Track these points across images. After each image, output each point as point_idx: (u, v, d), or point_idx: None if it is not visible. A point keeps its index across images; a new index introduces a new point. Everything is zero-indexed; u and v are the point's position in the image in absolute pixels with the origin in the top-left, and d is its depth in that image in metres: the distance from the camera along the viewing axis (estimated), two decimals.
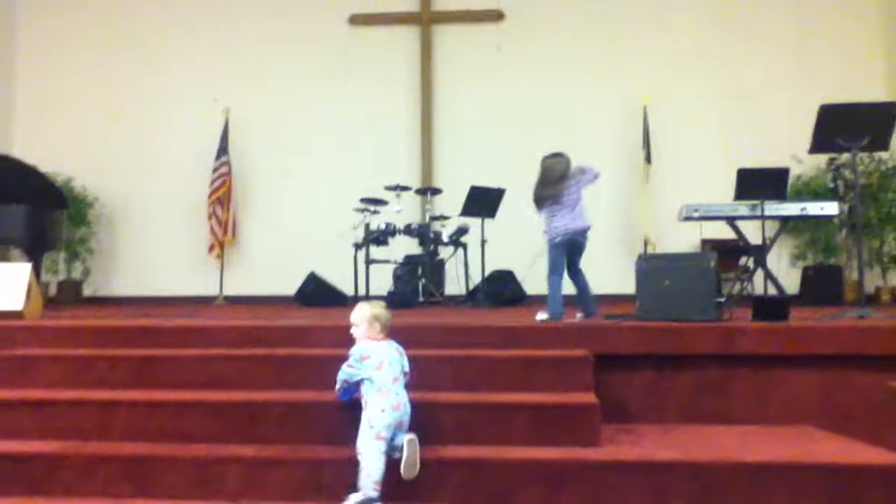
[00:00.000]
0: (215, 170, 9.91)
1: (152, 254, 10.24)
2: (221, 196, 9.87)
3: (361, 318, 3.45)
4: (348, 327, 4.18)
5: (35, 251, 7.07)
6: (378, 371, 3.26)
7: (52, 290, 9.98)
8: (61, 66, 10.58)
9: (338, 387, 3.37)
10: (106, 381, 3.90)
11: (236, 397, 3.61)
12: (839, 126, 5.05)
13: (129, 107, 10.43)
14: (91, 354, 4.04)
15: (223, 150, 9.96)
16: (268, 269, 9.91)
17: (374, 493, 2.98)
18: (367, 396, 3.23)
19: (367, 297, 7.78)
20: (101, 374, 3.92)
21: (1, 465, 3.30)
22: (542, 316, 5.01)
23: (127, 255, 10.35)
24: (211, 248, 9.93)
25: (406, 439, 3.11)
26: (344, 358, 3.40)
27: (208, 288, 9.97)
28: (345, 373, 3.35)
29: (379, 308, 3.50)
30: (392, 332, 3.71)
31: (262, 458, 3.24)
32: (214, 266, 10.00)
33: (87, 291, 10.22)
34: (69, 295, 9.89)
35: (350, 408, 3.41)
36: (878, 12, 9.71)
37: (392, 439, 3.12)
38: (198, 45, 10.45)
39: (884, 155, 8.70)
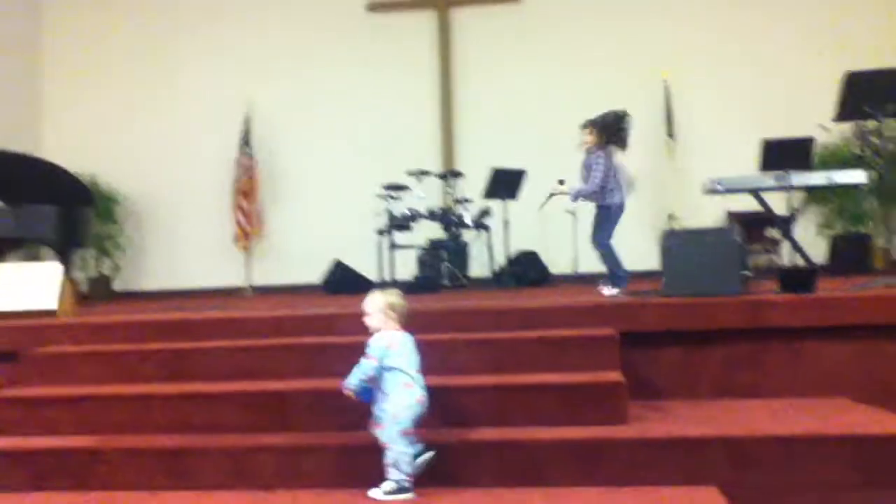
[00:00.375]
0: (238, 162, 9.98)
1: (180, 247, 10.34)
2: (245, 187, 9.94)
3: (376, 307, 3.27)
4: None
5: (66, 250, 7.18)
6: (403, 362, 3.14)
7: (83, 287, 10.12)
8: (86, 65, 10.67)
9: (355, 382, 3.14)
10: (139, 375, 3.97)
11: (267, 387, 3.66)
12: (865, 93, 4.98)
13: (153, 103, 10.51)
14: (123, 349, 4.12)
15: (246, 142, 10.01)
16: (294, 258, 9.97)
17: (406, 484, 3.00)
18: (390, 390, 3.10)
19: (394, 283, 7.83)
20: (133, 368, 4.00)
21: (41, 459, 3.38)
22: (611, 291, 5.03)
23: (155, 250, 10.47)
24: (236, 238, 10.01)
25: (428, 456, 3.07)
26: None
27: (236, 279, 10.07)
28: (366, 367, 3.13)
29: (394, 297, 3.32)
30: (419, 317, 3.74)
31: (294, 446, 3.29)
32: (241, 257, 10.09)
33: (118, 287, 10.36)
34: (100, 291, 10.04)
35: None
36: None
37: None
38: (218, 38, 10.49)
39: None
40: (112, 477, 3.30)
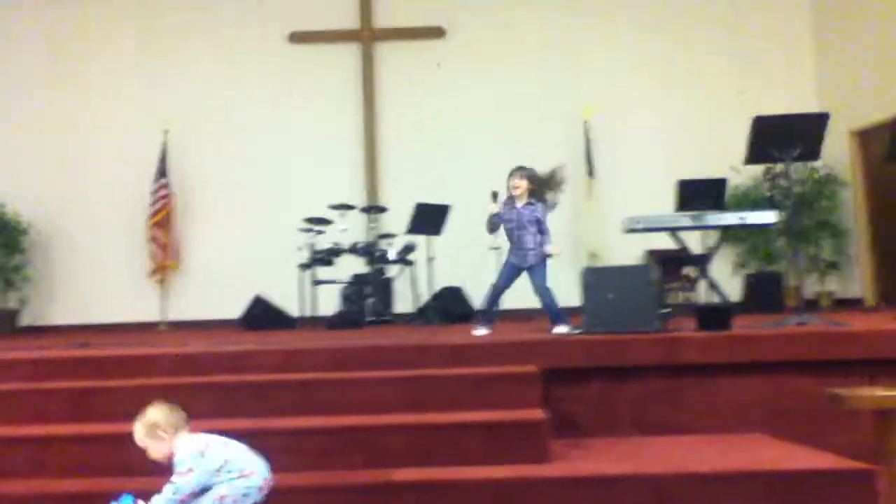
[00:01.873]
0: (154, 192, 9.70)
1: (92, 280, 9.94)
2: (161, 219, 9.66)
3: (146, 436, 2.87)
4: (294, 351, 4.13)
5: None
6: (229, 452, 2.85)
7: None
8: None
9: None
10: (41, 415, 3.75)
11: None
12: (773, 137, 5.16)
13: (63, 130, 10.13)
14: (24, 388, 3.89)
15: (162, 172, 9.75)
16: (212, 292, 9.70)
17: None
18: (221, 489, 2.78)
19: (315, 318, 7.70)
20: (35, 408, 3.77)
21: None
22: (562, 329, 5.01)
23: (65, 283, 10.04)
24: (152, 272, 9.70)
25: None
26: (288, 383, 3.30)
27: (151, 313, 9.73)
28: (183, 484, 2.74)
29: (155, 413, 2.90)
30: (338, 354, 3.65)
31: None
32: (156, 291, 9.77)
33: (26, 320, 9.88)
34: (5, 325, 9.54)
35: (295, 433, 3.34)
36: (810, 26, 10.01)
37: None
38: (134, 65, 10.23)
39: (817, 164, 8.93)
40: None
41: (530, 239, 5.36)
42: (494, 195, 5.59)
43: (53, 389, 3.86)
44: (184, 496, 2.73)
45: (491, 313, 5.48)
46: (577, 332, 4.83)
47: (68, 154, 10.09)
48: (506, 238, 5.56)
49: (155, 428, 2.85)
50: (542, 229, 5.41)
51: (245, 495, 2.77)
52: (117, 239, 9.92)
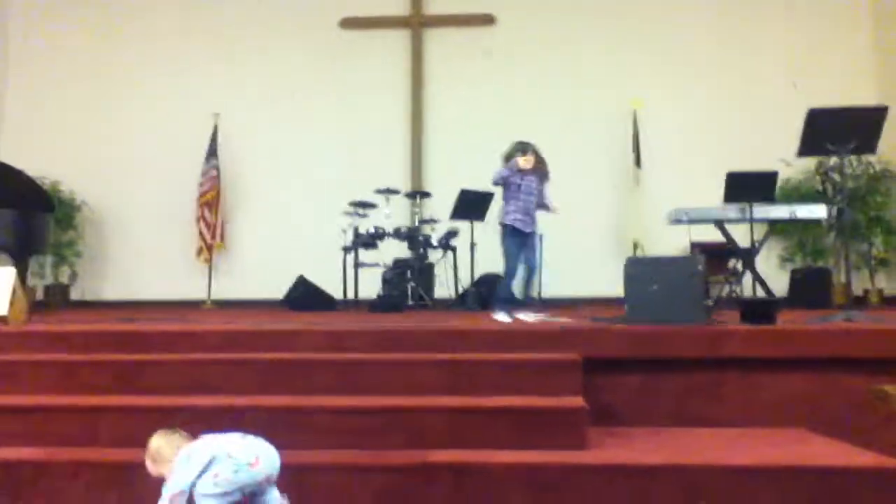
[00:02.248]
0: (204, 173, 9.88)
1: (140, 257, 10.18)
2: (210, 200, 9.84)
3: (152, 463, 2.88)
4: (336, 332, 4.19)
5: (21, 255, 7.02)
6: (231, 447, 2.83)
7: (39, 295, 9.91)
8: (49, 70, 10.51)
9: None
10: (91, 386, 3.86)
11: (221, 402, 3.58)
12: (827, 130, 5.06)
13: (118, 111, 10.38)
14: (76, 360, 4.00)
15: (212, 154, 9.93)
16: (256, 272, 9.87)
17: None
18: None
19: (356, 301, 7.78)
20: (85, 379, 3.88)
21: None
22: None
23: (115, 259, 10.30)
24: (199, 251, 9.88)
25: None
26: (331, 363, 3.31)
27: (197, 292, 9.92)
28: (170, 486, 2.75)
29: (157, 438, 2.90)
30: (380, 336, 3.68)
31: None
32: (203, 270, 9.95)
33: (75, 295, 10.16)
34: (56, 299, 9.83)
35: (337, 412, 3.40)
36: (869, 17, 9.75)
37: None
38: (188, 49, 10.41)
39: (872, 158, 8.73)
40: (60, 491, 3.20)
41: (534, 207, 5.65)
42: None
43: (103, 361, 3.97)
44: (174, 495, 2.73)
45: (512, 299, 5.55)
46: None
47: (121, 135, 10.32)
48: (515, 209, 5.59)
49: (158, 453, 2.85)
50: (541, 197, 5.69)
51: (236, 472, 2.75)
52: (166, 218, 10.13)
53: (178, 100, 10.31)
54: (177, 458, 2.78)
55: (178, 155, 10.12)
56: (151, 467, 2.87)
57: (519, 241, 5.55)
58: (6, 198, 7.00)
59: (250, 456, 2.80)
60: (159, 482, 2.78)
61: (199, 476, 2.73)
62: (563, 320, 4.95)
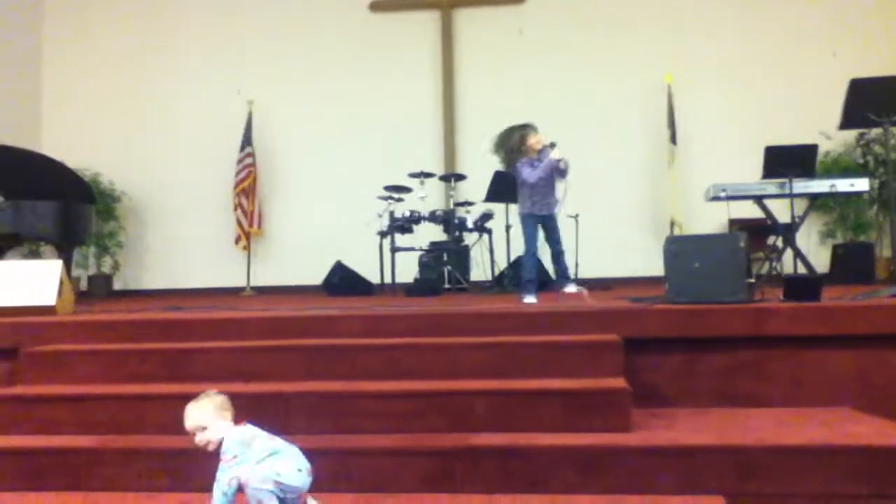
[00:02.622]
0: (240, 161, 9.97)
1: (180, 246, 10.33)
2: (246, 187, 9.93)
3: (208, 415, 2.79)
4: (377, 317, 4.21)
5: (65, 246, 7.16)
6: (274, 444, 2.82)
7: (83, 285, 10.11)
8: (87, 62, 10.67)
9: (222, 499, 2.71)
10: (138, 374, 3.93)
11: (267, 388, 3.63)
12: (870, 101, 4.96)
13: (154, 101, 10.51)
14: (123, 348, 4.08)
15: (247, 141, 10.01)
16: (294, 258, 9.97)
17: None
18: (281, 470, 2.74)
19: (393, 285, 7.82)
20: (133, 367, 3.96)
21: (39, 459, 3.35)
22: (572, 288, 5.14)
23: (155, 249, 10.46)
24: (237, 239, 10.00)
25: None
26: (372, 347, 3.34)
27: (236, 279, 10.05)
28: (230, 470, 2.71)
29: (218, 397, 2.87)
30: (421, 320, 3.68)
31: None
32: (241, 257, 10.07)
33: (118, 285, 10.35)
34: (100, 289, 10.02)
35: (380, 396, 3.43)
36: None
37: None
38: (220, 37, 10.49)
39: None
40: (113, 477, 3.27)
41: (551, 187, 5.55)
42: (553, 145, 5.55)
43: (150, 350, 4.04)
44: (232, 479, 2.70)
45: (536, 279, 5.55)
46: (585, 291, 4.93)
47: (159, 125, 10.45)
48: (530, 195, 5.55)
49: (223, 409, 2.82)
50: (558, 172, 5.53)
51: (299, 470, 2.75)
52: (204, 206, 10.26)
53: (213, 88, 10.41)
54: (235, 441, 2.75)
55: (215, 143, 10.23)
56: (207, 415, 2.79)
57: (534, 222, 5.52)
58: (49, 190, 7.13)
59: (304, 462, 2.81)
60: (207, 468, 2.81)
61: (258, 463, 2.72)
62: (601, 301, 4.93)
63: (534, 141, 5.49)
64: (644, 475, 3.08)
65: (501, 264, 8.29)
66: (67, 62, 10.70)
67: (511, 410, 3.44)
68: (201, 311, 5.30)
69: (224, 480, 2.72)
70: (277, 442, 2.83)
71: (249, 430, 2.83)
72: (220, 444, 2.78)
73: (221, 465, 2.75)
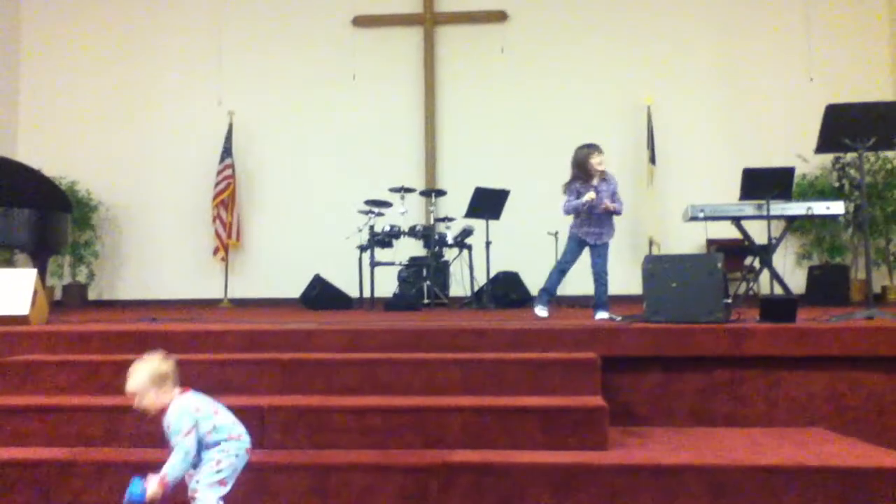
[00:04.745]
0: (219, 172, 9.91)
1: (157, 257, 10.24)
2: (226, 199, 9.87)
3: (144, 382, 2.75)
4: (354, 331, 4.19)
5: (40, 255, 7.07)
6: (221, 419, 2.82)
7: (58, 294, 9.99)
8: (65, 70, 10.58)
9: (180, 473, 2.70)
10: (112, 386, 3.87)
11: (243, 402, 3.59)
12: (845, 126, 5.02)
13: (133, 110, 10.43)
14: (97, 360, 4.03)
15: (227, 152, 9.95)
16: (273, 271, 9.91)
17: None
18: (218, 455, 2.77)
19: (372, 299, 7.79)
20: (106, 379, 3.91)
21: (9, 471, 3.29)
22: (604, 314, 5.09)
23: (131, 259, 10.36)
24: (215, 250, 9.93)
25: None
26: (350, 362, 3.33)
27: (213, 291, 9.97)
28: (190, 445, 2.70)
29: (158, 362, 2.81)
30: (399, 335, 3.67)
31: (270, 463, 3.23)
32: (219, 269, 10.00)
33: (93, 295, 10.23)
34: (74, 299, 9.90)
35: (357, 412, 3.40)
36: (885, 10, 9.65)
37: None
38: (201, 48, 10.45)
39: (889, 154, 8.67)
40: (83, 491, 3.23)
41: (608, 216, 5.37)
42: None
43: (124, 361, 3.97)
44: (192, 457, 2.70)
45: (554, 294, 5.50)
46: (618, 318, 4.86)
47: (137, 135, 10.38)
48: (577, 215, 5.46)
49: (165, 379, 2.76)
50: (613, 199, 5.36)
51: (237, 456, 2.77)
52: (182, 217, 10.19)
53: (193, 99, 10.36)
54: (186, 412, 2.72)
55: (194, 154, 10.18)
56: (145, 382, 2.75)
57: (577, 243, 5.44)
58: (25, 198, 7.04)
59: (247, 441, 2.82)
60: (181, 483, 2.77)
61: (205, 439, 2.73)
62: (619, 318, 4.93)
63: (595, 161, 5.42)
64: (619, 494, 3.09)
65: (481, 280, 8.29)
66: (45, 70, 10.60)
67: (487, 428, 3.44)
68: (177, 322, 5.25)
69: (181, 462, 2.68)
70: (217, 409, 2.83)
71: (194, 399, 2.79)
72: (160, 412, 2.76)
73: (178, 440, 2.71)
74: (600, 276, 5.37)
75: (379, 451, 3.35)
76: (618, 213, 5.38)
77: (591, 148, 5.40)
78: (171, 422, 2.73)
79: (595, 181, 5.35)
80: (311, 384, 3.79)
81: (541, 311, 5.37)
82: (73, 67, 10.58)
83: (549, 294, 5.49)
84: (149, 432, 3.47)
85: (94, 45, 10.57)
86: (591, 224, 5.39)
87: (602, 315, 5.18)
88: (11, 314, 4.96)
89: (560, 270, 5.50)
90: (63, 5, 10.66)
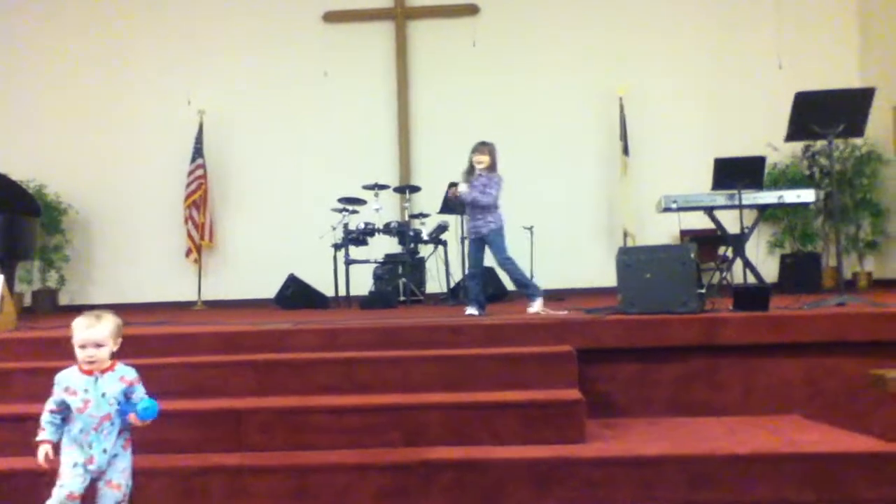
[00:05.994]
0: (190, 173, 9.80)
1: (129, 260, 10.10)
2: (197, 199, 9.76)
3: (112, 332, 2.82)
4: (330, 330, 4.17)
5: (8, 260, 6.95)
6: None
7: (27, 300, 9.83)
8: (31, 71, 10.38)
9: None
10: None
11: (220, 405, 3.57)
12: (815, 113, 5.07)
13: (101, 112, 10.27)
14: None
15: (198, 152, 9.84)
16: (247, 272, 9.82)
17: None
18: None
19: (348, 298, 7.76)
20: None
21: None
22: (537, 306, 5.09)
23: (103, 262, 10.21)
24: (188, 252, 9.82)
25: None
26: (327, 361, 3.30)
27: (187, 293, 9.87)
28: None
29: (117, 317, 2.88)
30: (376, 333, 3.64)
31: (247, 466, 3.20)
32: (192, 270, 9.89)
33: (64, 300, 10.08)
34: (45, 304, 9.75)
35: (335, 411, 3.38)
36: (853, 1, 9.75)
37: None
38: (170, 47, 10.31)
39: (857, 141, 8.77)
40: None
41: (482, 210, 5.40)
42: (454, 185, 5.62)
43: None
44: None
45: (480, 295, 5.47)
46: (561, 312, 4.87)
47: (107, 136, 10.22)
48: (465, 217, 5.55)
49: (120, 335, 2.84)
50: (481, 190, 5.39)
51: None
52: (154, 219, 10.06)
53: (162, 98, 10.21)
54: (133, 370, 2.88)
55: (165, 154, 10.05)
56: (110, 332, 2.80)
57: (481, 244, 5.51)
58: None
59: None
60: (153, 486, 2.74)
61: None
62: (562, 312, 4.93)
63: (475, 159, 5.50)
64: (599, 486, 3.10)
65: (457, 276, 8.29)
66: (11, 71, 10.39)
67: (466, 424, 3.44)
68: (151, 326, 5.19)
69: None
70: None
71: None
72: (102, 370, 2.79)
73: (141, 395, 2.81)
74: (502, 266, 5.38)
75: (358, 450, 3.34)
76: (466, 196, 5.44)
77: (477, 145, 5.57)
78: (132, 378, 2.85)
79: (473, 177, 5.48)
80: (287, 385, 3.76)
81: (471, 310, 5.36)
82: (41, 68, 10.38)
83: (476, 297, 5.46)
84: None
85: (62, 45, 10.38)
86: (470, 221, 5.54)
87: (535, 307, 5.15)
88: None
89: (470, 276, 5.56)
90: (30, 5, 10.47)
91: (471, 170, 5.52)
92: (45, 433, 2.68)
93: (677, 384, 4.07)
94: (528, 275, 5.48)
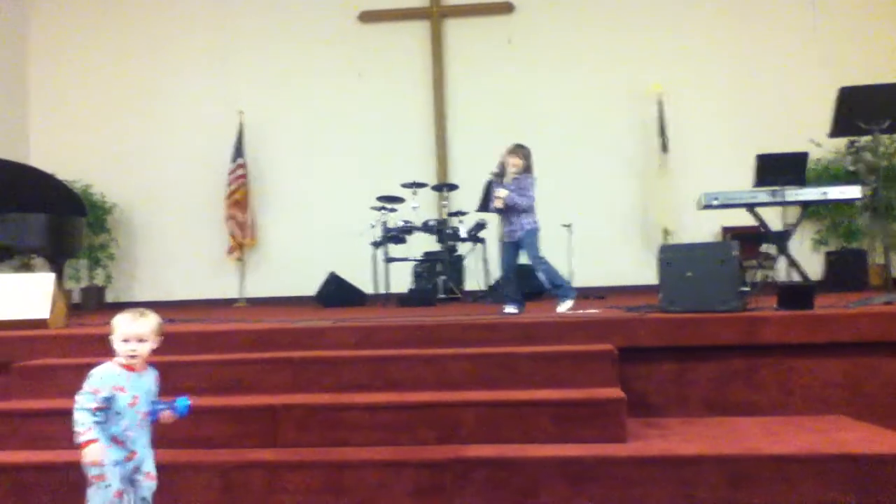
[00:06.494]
0: (231, 172, 9.93)
1: (172, 258, 10.28)
2: (238, 198, 9.89)
3: (156, 329, 2.83)
4: (368, 328, 4.19)
5: (57, 259, 7.12)
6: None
7: (76, 297, 10.06)
8: (75, 73, 10.62)
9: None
10: None
11: (256, 401, 3.61)
12: (859, 108, 4.97)
13: (144, 112, 10.46)
14: None
15: (238, 152, 9.97)
16: (288, 269, 9.93)
17: None
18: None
19: (387, 295, 7.80)
20: None
21: (31, 474, 3.32)
22: (567, 305, 5.07)
23: (147, 260, 10.41)
24: (230, 250, 9.96)
25: None
26: (362, 359, 3.31)
27: (229, 290, 10.01)
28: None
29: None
30: (411, 331, 3.67)
31: (284, 461, 3.24)
32: (234, 268, 10.04)
33: (110, 297, 10.29)
34: (92, 301, 9.97)
35: (370, 408, 3.41)
36: None
37: None
38: (210, 48, 10.45)
39: None
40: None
41: (518, 213, 5.38)
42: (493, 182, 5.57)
43: None
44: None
45: (517, 294, 5.50)
46: (591, 311, 4.84)
47: (150, 136, 10.41)
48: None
49: (161, 331, 2.87)
50: (519, 194, 5.36)
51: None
52: (197, 218, 10.22)
53: (204, 99, 10.37)
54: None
55: (207, 154, 10.20)
56: (155, 330, 2.82)
57: (515, 248, 5.52)
58: (40, 202, 7.09)
59: None
60: (195, 482, 2.78)
61: None
62: (592, 311, 4.90)
63: (511, 161, 5.47)
64: (637, 486, 3.07)
65: (496, 274, 8.27)
66: (55, 73, 10.64)
67: (502, 422, 3.43)
68: (192, 323, 5.28)
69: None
70: None
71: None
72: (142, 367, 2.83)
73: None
74: (535, 265, 5.39)
75: (392, 447, 3.36)
76: (507, 199, 5.37)
77: (514, 147, 5.50)
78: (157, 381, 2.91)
79: (507, 180, 5.42)
80: (322, 382, 3.79)
81: (509, 308, 5.37)
82: (83, 69, 10.61)
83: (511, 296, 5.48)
84: (163, 434, 3.49)
85: (104, 46, 10.59)
86: (504, 224, 5.52)
87: (564, 306, 5.13)
88: (30, 318, 5.01)
89: (505, 279, 5.57)
90: (71, 6, 10.70)
91: (501, 171, 5.46)
92: (93, 432, 2.68)
93: (715, 383, 4.01)
94: (561, 274, 5.45)
